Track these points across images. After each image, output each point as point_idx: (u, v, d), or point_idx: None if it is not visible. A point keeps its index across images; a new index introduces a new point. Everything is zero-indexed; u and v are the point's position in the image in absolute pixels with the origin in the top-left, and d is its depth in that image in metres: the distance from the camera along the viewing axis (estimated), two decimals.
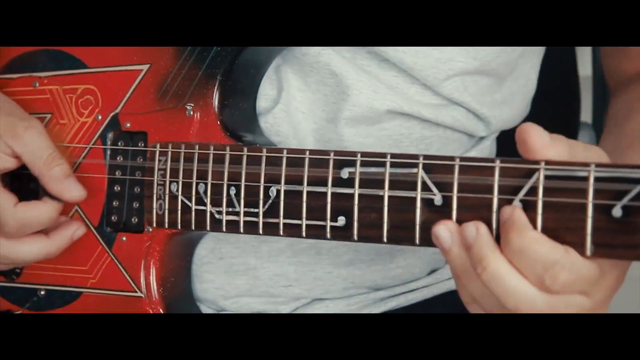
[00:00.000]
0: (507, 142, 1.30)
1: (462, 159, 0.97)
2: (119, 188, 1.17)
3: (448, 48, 1.17)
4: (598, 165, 0.91)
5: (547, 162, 0.93)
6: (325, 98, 1.18)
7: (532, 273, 0.93)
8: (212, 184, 1.09)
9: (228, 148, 1.09)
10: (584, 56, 1.66)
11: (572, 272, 0.92)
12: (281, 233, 1.06)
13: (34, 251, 1.16)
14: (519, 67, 1.26)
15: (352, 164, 1.02)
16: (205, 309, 1.24)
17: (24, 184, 1.19)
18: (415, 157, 0.99)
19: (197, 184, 1.10)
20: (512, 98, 1.27)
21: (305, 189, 1.04)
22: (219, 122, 1.12)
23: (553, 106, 1.45)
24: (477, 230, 0.95)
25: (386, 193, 1.00)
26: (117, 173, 1.17)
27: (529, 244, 0.92)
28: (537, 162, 0.93)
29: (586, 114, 1.65)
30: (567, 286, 0.93)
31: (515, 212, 0.94)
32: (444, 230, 0.96)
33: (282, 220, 1.06)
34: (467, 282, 0.97)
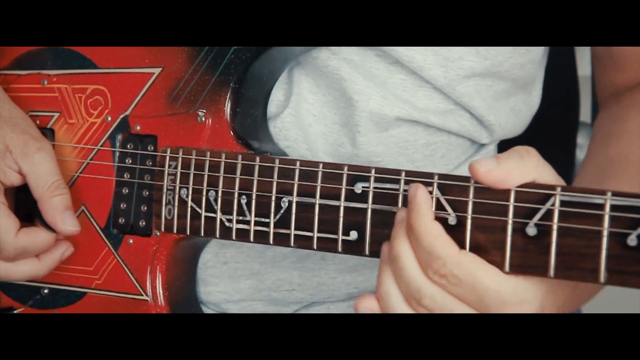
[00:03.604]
0: (508, 148, 1.31)
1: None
2: (127, 190, 1.16)
3: (457, 47, 1.17)
4: (615, 193, 0.91)
5: (564, 188, 0.93)
6: (336, 102, 1.18)
7: (419, 254, 0.96)
8: (222, 191, 1.09)
9: (240, 157, 1.08)
10: (584, 56, 1.66)
11: (459, 271, 0.95)
12: (292, 244, 1.06)
13: (25, 272, 1.16)
14: (535, 79, 1.26)
15: (366, 179, 1.02)
16: (209, 312, 1.24)
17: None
18: (430, 175, 0.99)
19: (207, 191, 1.10)
20: (520, 109, 1.27)
21: (317, 201, 1.04)
22: (230, 130, 1.12)
23: (553, 106, 1.45)
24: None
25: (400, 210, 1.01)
26: (125, 175, 1.16)
27: (424, 230, 0.95)
28: (553, 188, 0.94)
29: (586, 114, 1.65)
30: (451, 285, 0.95)
31: (419, 192, 0.96)
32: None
33: (293, 232, 1.06)
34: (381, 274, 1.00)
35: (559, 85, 1.52)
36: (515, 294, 0.96)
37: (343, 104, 1.18)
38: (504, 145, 1.31)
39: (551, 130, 1.55)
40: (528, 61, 1.23)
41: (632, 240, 0.90)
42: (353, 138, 1.18)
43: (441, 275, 0.96)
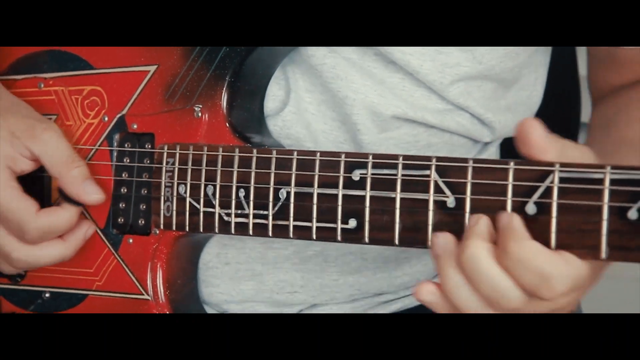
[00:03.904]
0: (510, 147, 1.30)
1: (476, 160, 0.97)
2: (125, 190, 1.16)
3: (454, 52, 1.17)
4: (614, 167, 0.90)
5: (562, 164, 0.93)
6: (333, 100, 1.18)
7: (527, 282, 0.93)
8: (220, 185, 1.09)
9: (237, 150, 1.08)
10: (584, 56, 1.66)
11: (568, 282, 0.93)
12: (291, 235, 1.05)
13: (52, 255, 1.16)
14: (524, 77, 1.27)
15: (363, 165, 1.02)
16: (211, 312, 1.23)
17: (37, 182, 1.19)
18: (428, 159, 0.99)
19: (205, 185, 1.10)
20: (517, 107, 1.27)
21: (315, 190, 1.04)
22: (227, 124, 1.12)
23: (553, 106, 1.45)
24: (477, 219, 0.95)
25: (398, 195, 1.00)
26: (123, 175, 1.16)
27: (527, 255, 0.93)
28: (551, 164, 0.93)
29: (586, 114, 1.65)
30: (561, 295, 0.93)
31: (514, 219, 0.94)
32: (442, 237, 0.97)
33: (292, 223, 1.05)
34: (446, 270, 0.97)
35: (559, 85, 1.51)
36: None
37: (339, 103, 1.17)
38: (507, 142, 1.30)
39: (552, 130, 1.54)
40: (516, 65, 1.23)
41: (632, 214, 0.89)
42: (354, 136, 1.18)
43: (558, 294, 0.93)
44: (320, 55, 1.16)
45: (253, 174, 1.07)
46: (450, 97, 1.19)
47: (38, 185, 1.18)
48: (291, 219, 1.05)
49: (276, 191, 1.06)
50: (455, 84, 1.18)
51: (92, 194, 1.15)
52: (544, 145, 0.94)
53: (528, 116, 1.30)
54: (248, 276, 1.22)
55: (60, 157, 1.14)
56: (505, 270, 0.93)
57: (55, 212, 1.15)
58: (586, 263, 0.94)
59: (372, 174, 1.01)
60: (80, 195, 1.15)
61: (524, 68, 1.26)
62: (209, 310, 1.23)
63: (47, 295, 1.21)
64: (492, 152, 1.27)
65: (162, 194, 1.12)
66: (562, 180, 0.92)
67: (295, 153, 1.05)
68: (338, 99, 1.17)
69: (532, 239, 0.93)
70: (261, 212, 1.07)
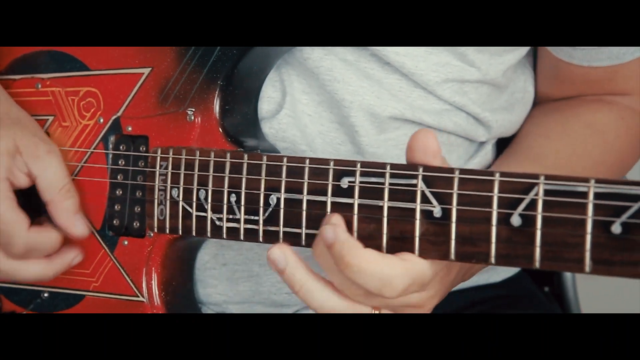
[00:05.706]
0: (505, 146, 1.30)
1: (462, 171, 0.96)
2: (120, 192, 1.16)
3: (443, 53, 1.17)
4: (598, 180, 0.89)
5: (547, 177, 0.92)
6: (330, 102, 1.17)
7: (371, 287, 0.97)
8: (212, 190, 1.09)
9: (228, 155, 1.08)
10: None
11: (407, 280, 0.97)
12: (281, 241, 1.05)
13: (34, 272, 1.16)
14: (514, 81, 1.26)
15: (351, 173, 1.01)
16: (209, 312, 1.24)
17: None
18: (415, 168, 0.98)
19: (197, 190, 1.10)
20: (513, 107, 1.27)
21: (305, 197, 1.04)
22: (220, 127, 1.12)
23: None
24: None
25: (386, 204, 1.00)
26: (118, 177, 1.16)
27: (365, 263, 0.96)
28: (536, 177, 0.92)
29: None
30: (405, 292, 0.97)
31: (340, 233, 0.97)
32: (277, 251, 1.01)
33: (282, 229, 1.05)
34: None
35: None
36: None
37: (337, 105, 1.17)
38: (502, 141, 1.30)
39: None
40: (507, 68, 1.23)
41: (616, 228, 0.89)
42: (352, 137, 1.17)
43: (400, 292, 0.97)
44: (316, 57, 1.16)
45: (244, 180, 1.07)
46: (446, 96, 1.19)
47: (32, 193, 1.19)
48: (281, 225, 1.05)
49: (266, 197, 1.06)
50: (450, 82, 1.18)
51: (79, 228, 1.15)
52: (438, 152, 0.98)
53: (525, 114, 1.30)
54: (245, 277, 1.22)
55: (57, 185, 1.15)
56: (352, 281, 0.97)
57: (46, 232, 1.15)
58: (429, 261, 0.97)
59: (360, 182, 1.01)
60: (69, 227, 1.15)
61: (513, 72, 1.26)
62: (207, 311, 1.24)
63: (46, 295, 1.22)
64: (489, 151, 1.27)
65: (156, 197, 1.13)
66: (547, 192, 0.92)
67: (285, 159, 1.05)
68: (335, 101, 1.17)
69: (364, 247, 0.97)
70: (252, 217, 1.07)
